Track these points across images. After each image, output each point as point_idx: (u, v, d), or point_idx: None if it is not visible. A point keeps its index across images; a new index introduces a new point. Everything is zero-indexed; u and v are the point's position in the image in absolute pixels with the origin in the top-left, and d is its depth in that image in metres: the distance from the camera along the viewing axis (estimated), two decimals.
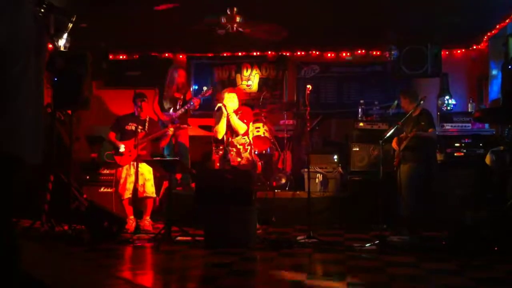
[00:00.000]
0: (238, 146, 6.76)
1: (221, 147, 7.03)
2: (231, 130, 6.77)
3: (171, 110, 7.66)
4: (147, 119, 7.01)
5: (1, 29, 2.21)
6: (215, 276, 4.58)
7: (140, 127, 6.99)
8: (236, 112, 6.78)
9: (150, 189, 6.95)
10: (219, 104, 6.82)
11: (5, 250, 2.33)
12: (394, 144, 6.55)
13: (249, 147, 6.82)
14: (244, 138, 6.80)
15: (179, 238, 6.07)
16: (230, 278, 4.47)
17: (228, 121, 6.74)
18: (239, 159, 6.73)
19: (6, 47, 2.24)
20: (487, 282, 4.30)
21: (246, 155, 6.77)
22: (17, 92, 2.35)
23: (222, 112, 6.77)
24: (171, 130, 7.13)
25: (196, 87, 9.71)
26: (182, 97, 7.75)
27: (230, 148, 6.76)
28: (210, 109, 8.75)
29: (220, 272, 4.68)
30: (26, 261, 3.04)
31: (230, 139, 6.78)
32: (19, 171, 2.41)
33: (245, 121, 6.79)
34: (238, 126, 6.72)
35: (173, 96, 7.80)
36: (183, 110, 7.60)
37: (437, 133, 7.37)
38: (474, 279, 4.30)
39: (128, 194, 6.85)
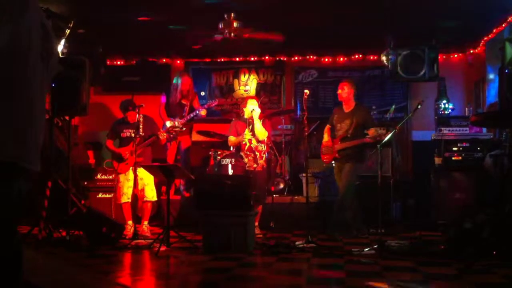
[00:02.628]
0: (256, 153, 6.83)
1: (219, 152, 7.04)
2: (254, 136, 6.87)
3: (177, 117, 7.67)
4: (141, 119, 6.99)
5: (4, 28, 2.22)
6: (214, 282, 4.58)
7: (134, 131, 6.98)
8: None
9: (150, 193, 6.96)
10: (248, 115, 6.88)
11: (8, 257, 2.33)
12: (327, 137, 6.72)
13: (264, 155, 6.92)
14: (262, 146, 6.87)
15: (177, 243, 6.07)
16: (229, 284, 4.46)
17: (253, 127, 6.85)
18: (255, 165, 6.80)
19: (8, 47, 2.25)
20: (486, 287, 4.30)
21: (261, 162, 6.86)
22: (25, 96, 2.36)
23: (250, 119, 6.88)
24: (163, 135, 7.12)
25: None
26: (188, 103, 7.74)
27: (248, 153, 6.81)
28: (212, 115, 8.79)
29: (219, 277, 4.67)
30: (25, 268, 3.03)
31: (248, 144, 6.83)
32: (24, 177, 2.41)
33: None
34: (260, 133, 6.82)
35: (179, 102, 7.79)
36: (188, 118, 7.61)
37: (434, 137, 7.41)
38: (473, 284, 4.30)
39: (125, 199, 6.85)
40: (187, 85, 7.88)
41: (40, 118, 2.49)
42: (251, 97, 7.23)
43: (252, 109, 6.86)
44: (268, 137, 7.63)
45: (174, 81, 7.97)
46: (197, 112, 7.68)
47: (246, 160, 6.83)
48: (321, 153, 7.00)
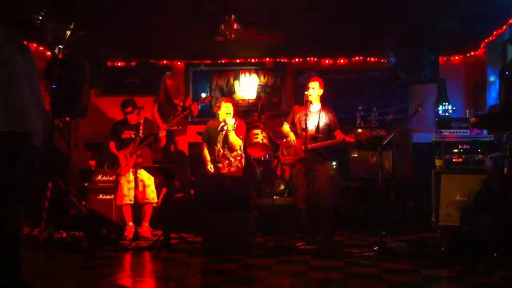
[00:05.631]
0: (231, 159, 6.90)
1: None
2: (227, 145, 6.88)
3: (170, 117, 7.67)
4: (141, 121, 7.01)
5: None
6: (214, 284, 4.58)
7: (134, 132, 7.00)
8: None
9: (150, 195, 6.96)
10: (222, 124, 6.88)
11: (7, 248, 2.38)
12: (293, 136, 6.45)
13: (239, 158, 6.95)
14: (236, 151, 6.93)
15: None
16: (229, 286, 4.47)
17: (226, 136, 6.84)
18: (228, 168, 6.88)
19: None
20: None
21: (236, 163, 6.91)
22: (15, 80, 2.57)
23: (222, 129, 6.88)
24: (162, 134, 7.13)
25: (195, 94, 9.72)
26: (181, 103, 7.76)
27: (222, 159, 6.89)
28: (208, 117, 8.76)
29: (219, 280, 4.67)
30: (25, 269, 3.04)
31: (222, 150, 6.90)
32: (30, 148, 2.55)
33: (241, 136, 6.91)
34: (235, 142, 6.81)
35: (171, 102, 7.81)
36: (181, 116, 7.62)
37: (434, 139, 7.41)
38: (474, 286, 4.30)
39: (127, 201, 6.86)
40: (174, 83, 7.92)
41: (31, 101, 2.73)
42: (226, 100, 7.06)
43: (225, 120, 6.76)
44: (267, 138, 7.65)
45: (162, 81, 7.97)
46: (190, 109, 7.65)
47: (220, 165, 6.90)
48: (282, 154, 6.66)
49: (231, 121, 6.75)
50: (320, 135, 6.38)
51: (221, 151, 6.92)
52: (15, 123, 2.76)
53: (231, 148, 6.87)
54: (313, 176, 6.40)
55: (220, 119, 6.91)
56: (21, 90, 2.85)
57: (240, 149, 6.93)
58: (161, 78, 8.01)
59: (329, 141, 6.34)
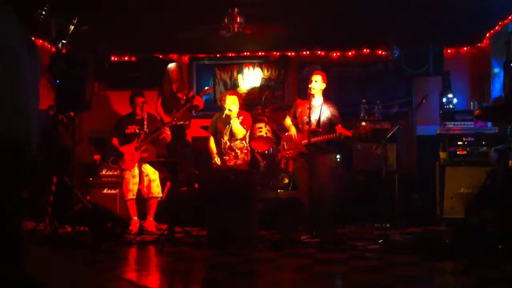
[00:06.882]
0: (237, 151, 7.00)
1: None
2: (234, 137, 6.99)
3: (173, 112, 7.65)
4: (145, 116, 7.02)
5: None
6: (218, 277, 4.59)
7: (139, 127, 7.01)
8: (237, 116, 6.96)
9: (155, 189, 6.98)
10: (227, 112, 6.95)
11: (8, 245, 2.35)
12: (295, 130, 6.47)
13: (246, 151, 7.04)
14: (242, 143, 7.01)
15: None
16: (233, 280, 4.48)
17: (230, 127, 6.98)
18: (234, 160, 6.97)
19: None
20: (491, 282, 4.29)
21: (242, 156, 7.00)
22: (19, 81, 2.54)
23: (228, 117, 6.99)
24: (167, 130, 7.11)
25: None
26: (184, 97, 7.73)
27: (229, 151, 6.94)
28: (212, 110, 8.77)
29: (223, 273, 4.68)
30: (29, 264, 3.05)
31: (229, 143, 6.98)
32: (29, 156, 2.52)
33: (245, 126, 6.99)
34: (238, 130, 6.91)
35: (175, 96, 7.78)
36: (184, 109, 7.60)
37: (439, 131, 7.39)
38: (478, 279, 4.29)
39: (131, 195, 6.88)
40: (176, 71, 7.78)
41: (34, 98, 2.73)
42: (230, 93, 7.18)
43: (229, 108, 6.88)
44: (271, 131, 7.65)
45: (166, 73, 7.91)
46: (194, 102, 7.62)
47: (227, 157, 6.98)
48: (283, 148, 6.66)
49: (234, 108, 6.87)
50: (321, 129, 6.37)
51: (228, 143, 7.01)
52: (18, 122, 2.74)
53: (234, 137, 6.95)
54: (315, 169, 6.39)
55: (226, 112, 6.98)
56: (25, 89, 2.83)
57: (245, 141, 6.99)
58: (165, 71, 7.95)
59: (327, 135, 6.33)
